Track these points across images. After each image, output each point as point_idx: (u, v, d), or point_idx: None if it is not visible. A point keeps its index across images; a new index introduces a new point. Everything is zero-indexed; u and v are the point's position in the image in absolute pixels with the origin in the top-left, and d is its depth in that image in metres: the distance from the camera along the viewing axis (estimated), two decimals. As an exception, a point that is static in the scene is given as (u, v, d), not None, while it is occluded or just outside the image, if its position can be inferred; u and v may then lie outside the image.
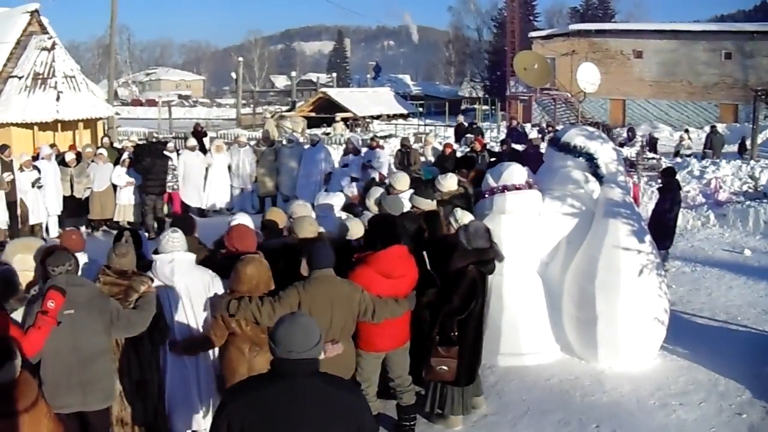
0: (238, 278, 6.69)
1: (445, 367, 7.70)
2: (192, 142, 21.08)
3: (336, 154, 23.45)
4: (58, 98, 25.86)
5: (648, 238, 9.57)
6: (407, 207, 9.25)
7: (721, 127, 40.20)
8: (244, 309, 6.43)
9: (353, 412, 4.19)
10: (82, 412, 6.42)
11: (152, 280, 7.00)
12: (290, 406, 4.03)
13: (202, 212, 19.30)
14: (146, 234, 14.98)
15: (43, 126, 25.75)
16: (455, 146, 21.25)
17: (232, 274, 6.78)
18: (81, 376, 6.29)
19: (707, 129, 34.01)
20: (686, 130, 34.29)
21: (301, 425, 4.03)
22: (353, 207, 10.42)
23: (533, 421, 8.23)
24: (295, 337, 4.07)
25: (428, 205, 9.20)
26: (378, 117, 59.11)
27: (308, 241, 7.76)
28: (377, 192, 9.85)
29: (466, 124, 34.14)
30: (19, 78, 26.52)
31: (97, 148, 19.50)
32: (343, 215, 9.75)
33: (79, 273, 6.69)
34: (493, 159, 17.13)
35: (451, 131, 40.48)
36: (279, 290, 6.71)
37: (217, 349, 7.14)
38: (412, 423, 7.86)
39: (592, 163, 9.91)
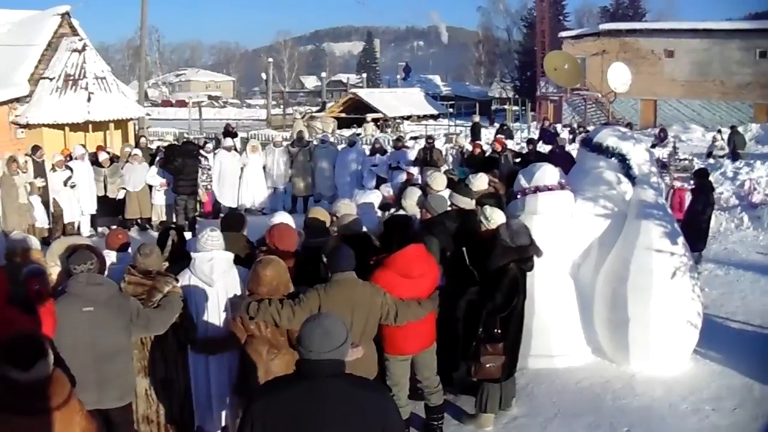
0: (257, 280, 6.65)
1: (493, 364, 7.72)
2: (229, 142, 21.34)
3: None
4: (89, 99, 26.03)
5: (681, 240, 9.47)
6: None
7: (755, 127, 39.84)
8: (263, 311, 6.40)
9: (378, 413, 4.18)
10: (103, 410, 6.43)
11: (177, 280, 7.03)
12: (313, 406, 4.04)
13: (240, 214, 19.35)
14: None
15: (74, 127, 25.93)
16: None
17: (251, 275, 6.75)
18: (97, 373, 6.31)
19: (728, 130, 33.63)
20: (719, 131, 33.96)
21: (324, 426, 4.04)
22: (389, 206, 10.42)
23: (563, 423, 8.18)
24: (315, 338, 4.09)
25: (467, 204, 9.20)
26: (408, 118, 59.01)
27: (353, 240, 7.77)
28: (414, 192, 9.84)
29: (482, 123, 34.14)
30: (51, 79, 26.70)
31: (133, 148, 19.62)
32: (380, 214, 9.77)
33: (106, 272, 6.75)
34: (517, 160, 17.07)
35: (482, 131, 40.45)
36: (303, 291, 6.70)
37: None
38: (440, 423, 7.86)
39: (624, 164, 9.83)
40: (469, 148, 20.86)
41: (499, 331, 7.73)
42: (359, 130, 49.41)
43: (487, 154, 18.70)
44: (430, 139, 21.60)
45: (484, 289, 7.76)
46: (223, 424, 7.43)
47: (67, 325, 6.17)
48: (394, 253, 7.19)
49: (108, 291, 6.40)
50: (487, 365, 7.70)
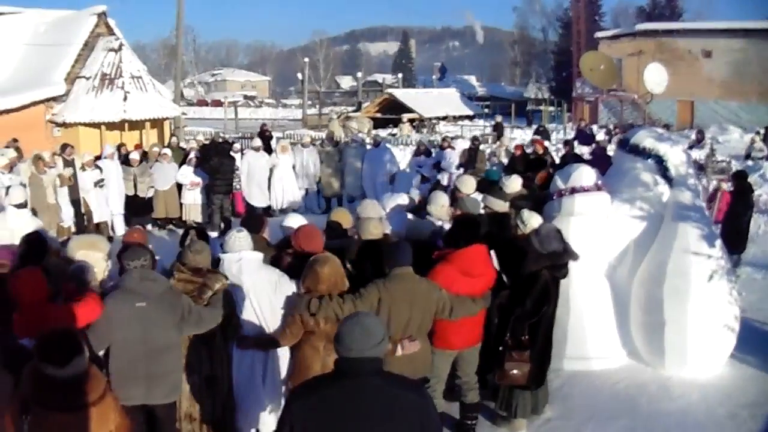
0: (317, 278, 6.71)
1: (517, 371, 7.70)
2: (257, 142, 21.25)
3: (402, 155, 23.45)
4: (125, 98, 26.19)
5: (718, 242, 9.40)
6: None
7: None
8: (325, 308, 6.48)
9: (416, 411, 4.18)
10: (149, 406, 6.52)
11: (227, 278, 7.08)
12: (351, 404, 4.05)
13: (267, 212, 19.40)
14: (212, 233, 15.12)
15: (111, 126, 26.10)
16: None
17: (308, 274, 6.79)
18: (147, 369, 6.38)
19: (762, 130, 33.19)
20: (757, 132, 33.56)
21: (362, 424, 4.05)
22: (418, 210, 10.42)
23: (598, 426, 8.13)
24: (354, 336, 4.12)
25: (501, 206, 9.22)
26: (444, 118, 58.87)
27: (372, 243, 7.82)
28: (439, 197, 9.82)
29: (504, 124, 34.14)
30: (87, 79, 26.92)
31: (163, 147, 19.70)
32: (410, 216, 9.76)
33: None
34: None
35: (517, 132, 40.33)
36: (353, 289, 6.77)
37: (285, 348, 7.17)
38: (473, 422, 7.89)
39: (661, 166, 9.77)
40: (511, 149, 20.82)
41: (527, 337, 7.72)
42: (395, 130, 49.41)
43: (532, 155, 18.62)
44: (475, 140, 21.54)
45: (514, 294, 7.76)
46: (265, 423, 7.45)
47: (119, 320, 6.26)
48: (459, 250, 7.29)
49: (161, 287, 6.47)
50: (511, 372, 7.71)
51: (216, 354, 7.05)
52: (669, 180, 9.74)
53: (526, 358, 7.68)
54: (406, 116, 54.00)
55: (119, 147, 19.73)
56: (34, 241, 8.05)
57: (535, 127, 35.99)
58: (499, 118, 38.96)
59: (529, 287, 7.65)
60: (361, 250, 7.86)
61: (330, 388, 4.16)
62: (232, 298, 7.04)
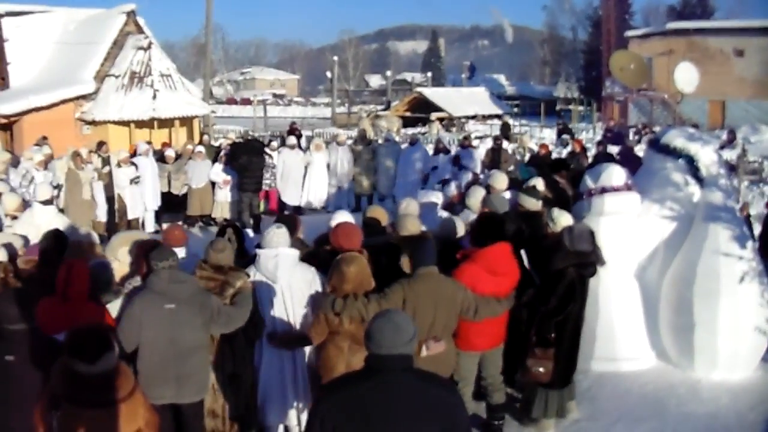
0: (342, 277, 6.72)
1: (541, 369, 7.67)
2: (292, 140, 21.35)
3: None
4: (154, 96, 26.41)
5: (750, 243, 9.28)
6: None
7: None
8: (350, 307, 6.49)
9: (447, 409, 4.18)
10: (175, 404, 6.57)
11: (248, 276, 7.09)
12: (382, 401, 4.06)
13: (299, 210, 19.44)
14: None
15: (140, 124, 26.28)
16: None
17: (334, 273, 6.81)
18: (177, 369, 6.43)
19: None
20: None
21: (392, 421, 4.05)
22: (453, 206, 10.41)
23: (626, 428, 8.06)
24: (385, 333, 4.12)
25: (534, 205, 9.17)
26: (473, 117, 58.77)
27: (410, 239, 7.82)
28: (478, 191, 9.84)
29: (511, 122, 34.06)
30: (116, 77, 27.17)
31: (196, 145, 19.79)
32: (444, 214, 9.75)
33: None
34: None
35: (546, 132, 40.20)
36: (382, 288, 6.77)
37: (314, 346, 7.19)
38: (500, 422, 7.87)
39: (692, 166, 9.68)
40: (534, 148, 20.75)
41: (553, 335, 7.69)
42: (424, 129, 49.39)
43: (563, 154, 18.57)
44: (498, 139, 21.49)
45: (540, 292, 7.72)
46: (292, 420, 7.46)
47: (149, 322, 6.30)
48: (484, 249, 7.29)
49: (190, 288, 6.50)
50: (534, 369, 7.68)
51: (239, 352, 7.09)
52: (700, 180, 9.65)
53: (549, 355, 7.65)
54: (435, 115, 53.96)
55: (147, 143, 19.88)
56: (55, 238, 8.10)
57: (558, 124, 35.89)
58: (507, 118, 38.89)
59: (554, 285, 7.62)
60: (396, 246, 7.85)
61: (360, 385, 4.17)
62: (255, 296, 7.05)
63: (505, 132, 33.98)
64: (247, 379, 7.23)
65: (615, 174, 9.55)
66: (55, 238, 8.10)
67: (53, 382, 4.85)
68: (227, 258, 7.13)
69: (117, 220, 16.98)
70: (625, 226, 9.41)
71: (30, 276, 7.70)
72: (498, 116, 61.80)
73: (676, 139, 9.98)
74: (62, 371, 4.79)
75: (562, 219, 8.31)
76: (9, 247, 8.21)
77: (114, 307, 6.94)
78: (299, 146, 22.21)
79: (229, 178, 18.33)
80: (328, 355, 6.74)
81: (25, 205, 11.63)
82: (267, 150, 19.46)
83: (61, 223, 10.19)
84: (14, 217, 11.09)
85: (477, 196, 9.68)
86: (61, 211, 13.57)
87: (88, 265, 6.94)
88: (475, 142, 26.46)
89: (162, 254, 6.55)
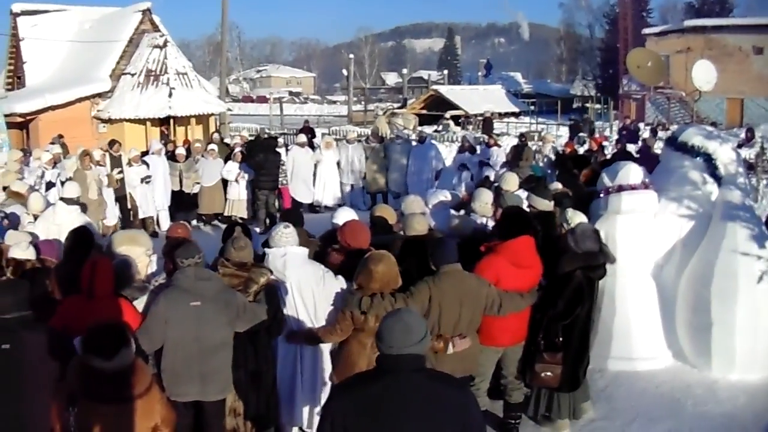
0: (369, 276, 6.70)
1: (549, 373, 7.64)
2: (302, 138, 21.38)
3: (447, 151, 23.40)
4: (170, 95, 26.48)
5: (768, 243, 9.22)
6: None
7: None
8: (377, 306, 6.47)
9: (459, 409, 4.16)
10: (198, 401, 6.58)
11: (271, 272, 7.11)
12: (393, 401, 4.04)
13: (312, 208, 19.42)
14: (256, 229, 15.17)
15: (156, 122, 26.32)
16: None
17: (362, 271, 6.78)
18: (201, 367, 6.44)
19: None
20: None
21: (403, 421, 4.03)
22: (463, 206, 10.39)
23: (642, 428, 8.02)
24: (395, 333, 4.10)
25: (545, 205, 9.13)
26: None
27: (416, 239, 7.84)
28: (483, 193, 9.79)
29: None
30: (132, 75, 27.25)
31: (208, 143, 19.80)
32: (454, 213, 9.72)
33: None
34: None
35: (563, 130, 40.08)
36: (406, 286, 6.77)
37: (329, 345, 7.23)
38: (517, 421, 7.84)
39: (710, 164, 9.65)
40: (556, 146, 20.70)
41: (561, 339, 7.65)
42: (439, 127, 49.35)
43: (584, 152, 18.51)
44: (522, 137, 21.45)
45: (547, 295, 7.68)
46: (307, 419, 7.46)
47: (174, 319, 6.31)
48: (508, 241, 7.28)
49: (215, 286, 6.51)
50: (543, 374, 7.64)
51: (261, 350, 7.07)
52: (718, 179, 9.63)
53: (558, 360, 7.61)
54: (451, 113, 53.91)
55: (166, 142, 19.90)
56: (82, 236, 8.11)
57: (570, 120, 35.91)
58: (488, 114, 38.93)
59: (561, 288, 7.58)
60: (405, 245, 7.86)
61: (371, 385, 4.15)
62: (277, 293, 7.06)
63: (487, 129, 33.92)
64: (269, 376, 7.22)
65: (632, 172, 9.51)
66: (79, 236, 8.11)
67: (70, 378, 4.85)
68: (248, 255, 7.13)
69: (131, 219, 17.01)
70: (642, 224, 9.37)
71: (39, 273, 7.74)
72: (515, 114, 61.76)
73: (694, 137, 9.95)
74: (79, 367, 4.79)
75: (577, 219, 8.28)
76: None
77: (140, 304, 6.95)
78: (310, 144, 22.20)
79: (241, 172, 18.27)
80: (351, 351, 6.73)
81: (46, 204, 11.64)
82: (276, 148, 19.48)
83: (82, 222, 10.19)
84: (36, 216, 11.10)
85: (482, 199, 9.63)
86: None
87: (112, 262, 6.95)
88: (499, 141, 26.42)
89: (188, 251, 6.55)
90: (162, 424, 4.99)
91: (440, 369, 6.65)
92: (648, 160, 12.89)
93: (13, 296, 5.57)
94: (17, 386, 5.41)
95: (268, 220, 17.65)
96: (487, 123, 35.72)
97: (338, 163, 20.86)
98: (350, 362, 6.65)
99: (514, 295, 7.11)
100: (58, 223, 10.32)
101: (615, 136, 30.20)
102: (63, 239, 8.56)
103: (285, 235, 7.34)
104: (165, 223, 17.95)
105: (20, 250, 7.80)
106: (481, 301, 6.88)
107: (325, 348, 7.34)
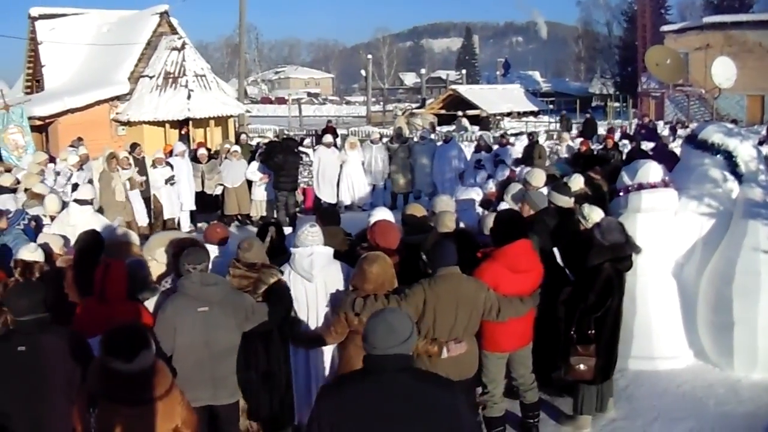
0: (363, 277, 6.69)
1: (584, 366, 7.61)
2: (328, 138, 21.44)
3: (467, 151, 23.40)
4: (188, 97, 26.52)
5: (791, 241, 9.14)
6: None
7: None
8: (370, 307, 6.41)
9: (446, 410, 4.14)
10: (210, 406, 6.57)
11: (282, 273, 7.09)
12: (377, 402, 4.06)
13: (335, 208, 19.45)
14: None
15: (175, 124, 26.40)
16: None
17: (357, 272, 6.79)
18: (212, 371, 6.45)
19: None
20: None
21: (388, 421, 4.03)
22: (490, 203, 10.39)
23: (663, 428, 7.94)
24: (378, 334, 4.12)
25: (566, 202, 9.12)
26: (508, 114, 58.67)
27: (448, 236, 7.82)
28: (516, 188, 9.79)
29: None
30: (151, 78, 27.33)
31: (232, 144, 19.87)
32: (481, 210, 9.72)
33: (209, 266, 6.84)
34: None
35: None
36: (407, 287, 6.72)
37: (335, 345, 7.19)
38: (536, 421, 7.79)
39: (730, 161, 9.59)
40: (573, 145, 20.70)
41: (593, 332, 7.62)
42: (452, 127, 49.37)
43: (599, 151, 18.50)
44: (530, 136, 21.46)
45: (577, 288, 7.67)
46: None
47: (182, 326, 6.31)
48: (504, 247, 7.21)
49: (222, 291, 6.49)
50: (577, 366, 7.61)
51: (273, 350, 7.04)
52: (738, 176, 9.56)
53: (591, 352, 7.58)
54: (470, 112, 53.90)
55: (187, 140, 19.99)
56: (91, 238, 8.13)
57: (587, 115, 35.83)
58: (459, 113, 39.10)
59: (591, 281, 7.56)
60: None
61: (356, 386, 4.19)
62: (288, 293, 7.05)
63: (460, 127, 34.00)
64: (282, 377, 7.19)
65: (652, 170, 9.46)
66: (91, 238, 8.13)
67: (90, 380, 4.85)
68: (256, 256, 7.11)
69: (153, 221, 17.07)
70: (663, 223, 9.30)
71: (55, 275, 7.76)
72: (533, 113, 61.69)
73: (714, 134, 9.89)
74: (99, 370, 4.80)
75: (594, 215, 8.24)
76: (45, 247, 8.24)
77: (151, 304, 6.97)
78: (335, 144, 22.25)
79: (265, 175, 18.34)
80: (349, 354, 6.70)
81: (63, 206, 11.70)
82: (301, 148, 19.50)
83: (97, 223, 10.22)
84: (53, 218, 11.16)
85: (514, 192, 9.64)
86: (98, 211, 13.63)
87: (125, 264, 6.96)
88: (511, 140, 26.40)
89: (193, 257, 6.54)
90: (183, 425, 5.00)
91: (435, 373, 6.68)
92: (664, 158, 12.78)
93: (29, 299, 5.59)
94: (35, 388, 5.43)
95: (288, 221, 17.67)
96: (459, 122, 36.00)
97: (362, 164, 20.91)
98: (349, 366, 6.59)
99: (513, 300, 7.02)
100: (73, 224, 10.36)
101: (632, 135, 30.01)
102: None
103: (311, 234, 7.32)
104: (185, 224, 18.05)
105: (28, 252, 7.81)
106: (478, 306, 6.79)
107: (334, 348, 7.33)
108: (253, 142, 23.23)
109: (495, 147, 21.40)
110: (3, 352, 5.55)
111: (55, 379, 5.46)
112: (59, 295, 7.28)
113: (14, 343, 5.53)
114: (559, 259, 8.36)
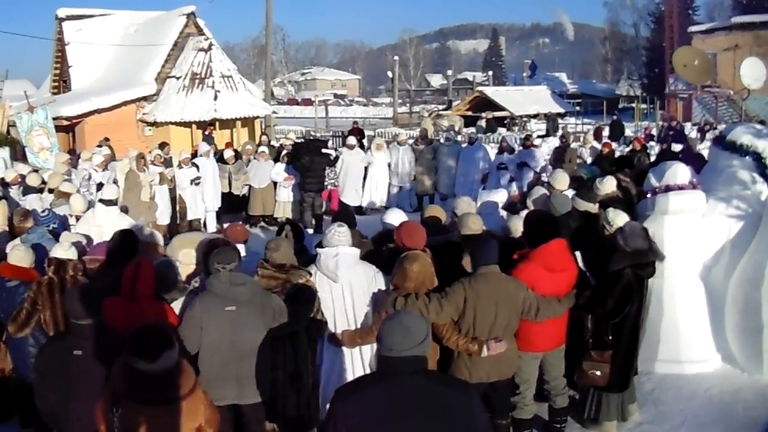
0: (404, 275, 6.75)
1: (597, 372, 7.57)
2: (351, 140, 21.49)
3: (492, 153, 23.36)
4: (215, 97, 26.68)
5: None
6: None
7: None
8: (411, 306, 6.44)
9: (461, 412, 4.13)
10: (236, 405, 6.59)
11: (311, 274, 7.13)
12: (393, 403, 4.06)
13: (360, 210, 19.43)
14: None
15: (201, 125, 26.52)
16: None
17: (397, 271, 6.84)
18: (238, 370, 6.45)
19: None
20: None
21: (403, 423, 4.02)
22: (514, 206, 10.36)
23: (691, 432, 7.86)
24: (394, 336, 4.11)
25: (589, 207, 9.11)
26: (535, 116, 58.49)
27: (471, 238, 7.81)
28: (540, 192, 9.75)
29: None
30: (177, 78, 27.52)
31: (258, 145, 19.93)
32: (505, 213, 9.69)
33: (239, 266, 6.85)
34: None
35: (609, 130, 39.90)
36: (443, 287, 6.75)
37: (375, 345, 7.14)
38: (562, 426, 7.78)
39: (759, 163, 9.51)
40: (597, 146, 20.59)
41: (611, 338, 7.59)
42: (472, 129, 49.33)
43: (627, 152, 18.40)
44: (562, 138, 21.36)
45: (596, 293, 7.61)
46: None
47: (209, 324, 6.33)
48: (539, 247, 7.21)
49: (250, 290, 6.50)
50: (590, 372, 7.60)
51: (300, 351, 7.06)
52: (767, 178, 9.44)
53: (606, 358, 7.56)
54: (486, 114, 53.76)
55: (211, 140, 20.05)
56: (126, 238, 8.14)
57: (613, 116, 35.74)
58: (483, 115, 39.02)
59: (611, 287, 7.49)
60: (457, 245, 7.82)
61: (372, 388, 4.19)
62: (315, 294, 7.07)
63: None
64: (308, 377, 7.21)
65: (680, 172, 9.38)
66: (124, 238, 8.14)
67: (113, 380, 4.86)
68: (284, 256, 7.14)
69: (178, 221, 17.13)
70: (690, 225, 9.22)
71: (96, 275, 7.76)
72: (560, 115, 61.45)
73: (742, 135, 9.80)
74: (123, 369, 4.81)
75: (618, 220, 8.16)
76: (78, 246, 8.25)
77: (177, 304, 6.99)
78: (360, 146, 22.25)
79: (291, 176, 18.39)
80: None
81: (88, 205, 11.73)
82: (326, 149, 19.54)
83: (124, 223, 10.21)
84: (78, 218, 11.20)
85: (537, 197, 9.60)
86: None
87: (154, 265, 6.98)
88: (537, 141, 26.29)
89: (223, 256, 6.55)
90: (206, 425, 5.01)
91: (475, 372, 6.74)
92: (691, 160, 12.68)
93: (84, 302, 5.62)
94: (86, 391, 5.41)
95: (314, 222, 17.68)
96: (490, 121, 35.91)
97: (388, 165, 20.88)
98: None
99: (551, 300, 7.05)
100: (99, 225, 10.39)
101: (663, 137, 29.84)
102: (105, 240, 8.58)
103: (338, 233, 7.33)
104: (211, 224, 18.13)
105: (62, 249, 7.82)
106: (517, 305, 6.83)
107: (371, 348, 7.29)
108: (277, 144, 23.22)
109: (519, 149, 21.30)
110: (58, 353, 5.63)
111: (97, 381, 5.36)
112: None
113: (69, 344, 5.59)
114: (581, 263, 8.28)
